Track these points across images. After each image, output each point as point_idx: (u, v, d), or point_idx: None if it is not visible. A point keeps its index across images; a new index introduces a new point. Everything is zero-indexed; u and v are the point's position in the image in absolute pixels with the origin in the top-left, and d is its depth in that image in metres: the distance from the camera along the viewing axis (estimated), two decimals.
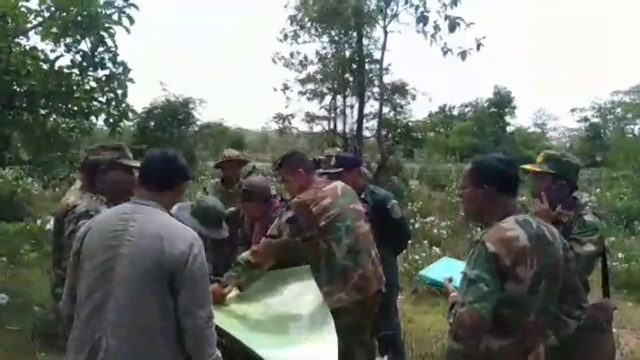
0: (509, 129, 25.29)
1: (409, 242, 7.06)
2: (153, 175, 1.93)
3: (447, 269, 2.25)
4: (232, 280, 2.77)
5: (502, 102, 23.97)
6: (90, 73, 5.29)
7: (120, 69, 5.17)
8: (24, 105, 5.42)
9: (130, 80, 5.44)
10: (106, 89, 5.32)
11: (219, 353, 1.86)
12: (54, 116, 5.58)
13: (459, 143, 23.30)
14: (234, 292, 2.95)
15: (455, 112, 34.99)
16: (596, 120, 30.25)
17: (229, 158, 4.23)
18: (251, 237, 3.39)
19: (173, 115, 23.70)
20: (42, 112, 5.45)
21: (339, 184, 2.94)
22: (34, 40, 5.44)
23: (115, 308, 1.74)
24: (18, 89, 5.27)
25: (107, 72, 5.19)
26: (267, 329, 2.68)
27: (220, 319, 2.61)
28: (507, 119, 24.74)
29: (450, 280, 2.06)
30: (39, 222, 8.30)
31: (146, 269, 1.74)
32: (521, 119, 42.99)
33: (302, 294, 2.88)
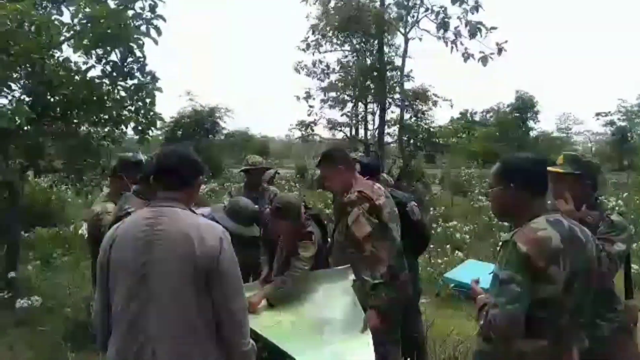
0: (532, 133, 24.91)
1: (431, 245, 7.18)
2: (170, 174, 1.91)
3: (473, 271, 2.24)
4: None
5: (525, 107, 23.65)
6: (120, 83, 5.49)
7: (149, 79, 5.33)
8: (58, 114, 5.64)
9: (159, 89, 5.62)
10: (135, 98, 5.50)
11: (252, 341, 1.91)
12: (86, 125, 5.78)
13: (482, 148, 23.03)
14: (263, 303, 3.05)
15: (477, 118, 34.66)
16: (623, 123, 29.53)
17: (253, 165, 4.38)
18: (276, 244, 3.47)
19: (200, 124, 24.34)
20: (75, 121, 5.66)
21: (381, 186, 3.01)
22: (67, 52, 5.68)
23: (157, 314, 1.74)
24: (52, 99, 5.51)
25: (135, 81, 5.36)
26: (301, 336, 2.73)
27: (253, 323, 2.71)
28: (530, 123, 24.38)
29: (477, 281, 2.05)
30: (71, 228, 8.58)
31: (181, 270, 1.75)
32: (545, 124, 42.32)
33: (337, 297, 2.93)
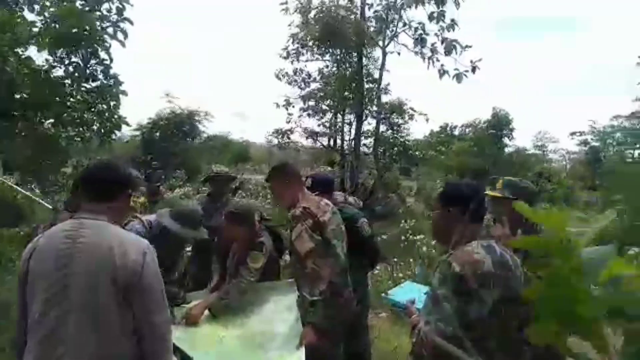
0: (507, 150, 25.45)
1: (394, 259, 7.25)
2: (94, 187, 1.89)
3: (410, 292, 2.28)
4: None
5: (500, 124, 24.17)
6: (83, 84, 5.43)
7: (112, 82, 5.29)
8: (19, 114, 5.55)
9: (123, 92, 5.58)
10: (98, 100, 5.44)
11: (175, 359, 1.91)
12: (48, 125, 5.69)
13: (458, 162, 23.39)
14: (206, 313, 3.01)
15: (456, 132, 35.22)
16: (596, 144, 30.40)
17: (216, 174, 4.32)
18: (226, 253, 3.44)
19: (178, 126, 24.09)
20: (36, 121, 5.57)
21: (329, 202, 3.00)
22: (30, 51, 5.60)
23: (76, 326, 1.72)
24: (12, 98, 5.41)
25: (98, 83, 5.30)
26: (244, 353, 2.71)
27: (190, 340, 2.68)
28: (505, 140, 24.90)
29: (413, 302, 2.08)
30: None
31: (101, 283, 1.73)
32: (521, 141, 43.22)
33: (281, 311, 2.93)
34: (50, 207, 3.12)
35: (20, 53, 5.48)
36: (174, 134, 23.80)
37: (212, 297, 3.11)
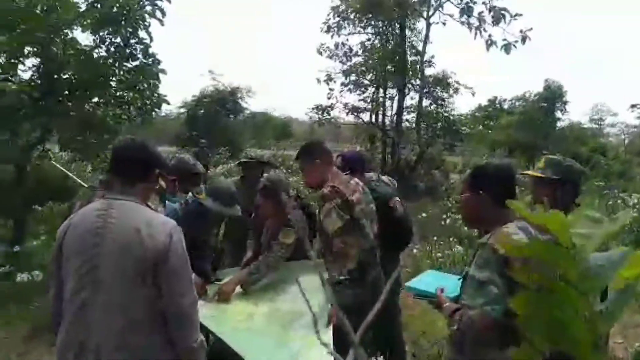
0: (560, 124, 24.17)
1: (434, 237, 7.09)
2: (122, 166, 1.90)
3: (434, 281, 2.19)
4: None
5: (553, 97, 22.86)
6: (124, 64, 5.54)
7: (150, 61, 5.36)
8: (64, 94, 5.74)
9: (162, 71, 5.65)
10: (138, 79, 5.54)
11: (202, 337, 1.92)
12: (92, 105, 5.87)
13: (506, 137, 22.46)
14: (238, 290, 3.04)
15: (505, 106, 33.79)
16: None
17: (249, 159, 4.33)
18: (261, 229, 3.47)
19: (221, 104, 24.48)
20: (81, 100, 5.75)
21: (360, 182, 2.95)
22: (75, 32, 5.75)
23: (103, 305, 1.75)
24: (58, 79, 5.60)
25: (137, 63, 5.38)
26: (270, 332, 2.71)
27: (216, 322, 2.71)
28: (558, 114, 23.60)
29: (442, 290, 2.00)
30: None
31: (129, 264, 1.76)
32: (576, 115, 40.96)
33: (310, 291, 2.92)
34: (86, 185, 3.19)
35: (66, 34, 5.65)
36: (217, 111, 24.22)
37: (243, 273, 3.15)
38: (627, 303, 0.49)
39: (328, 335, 2.52)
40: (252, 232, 3.74)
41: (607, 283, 0.49)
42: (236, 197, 3.23)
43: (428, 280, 2.25)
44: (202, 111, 24.50)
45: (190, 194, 3.20)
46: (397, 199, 3.36)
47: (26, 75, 5.66)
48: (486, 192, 1.85)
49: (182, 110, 25.17)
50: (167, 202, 3.05)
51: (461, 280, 1.89)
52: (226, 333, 2.59)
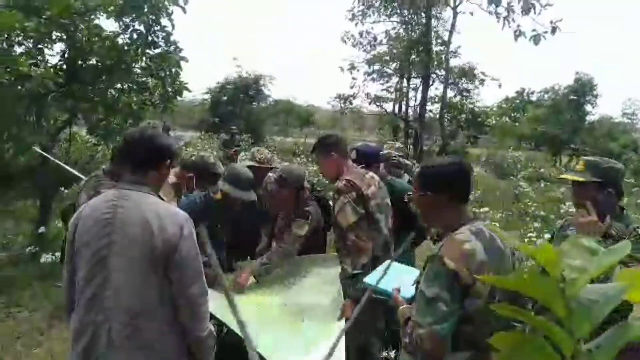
0: (591, 118, 23.42)
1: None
2: (133, 156, 1.90)
3: (395, 276, 2.09)
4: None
5: (583, 89, 22.14)
6: (146, 51, 5.58)
7: (172, 48, 5.38)
8: (88, 80, 5.83)
9: (183, 58, 5.68)
10: (160, 67, 5.58)
11: (212, 327, 1.94)
12: (115, 90, 5.94)
13: (532, 130, 21.92)
14: (252, 280, 3.06)
15: (533, 98, 32.97)
16: None
17: (259, 162, 3.85)
18: (276, 218, 3.46)
19: (245, 90, 24.55)
20: (103, 86, 5.83)
21: (375, 175, 2.94)
22: (99, 19, 5.80)
23: (114, 294, 1.78)
24: (82, 65, 5.68)
25: (159, 50, 5.42)
26: (284, 322, 2.74)
27: (228, 313, 2.73)
28: (588, 108, 22.87)
29: (399, 290, 1.94)
30: None
31: (139, 254, 1.78)
32: (607, 109, 39.45)
33: (324, 284, 2.92)
34: (84, 177, 3.17)
35: (91, 20, 5.71)
36: (240, 98, 24.31)
37: (256, 264, 3.16)
38: (622, 342, 0.46)
39: (339, 328, 2.52)
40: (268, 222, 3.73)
41: (600, 320, 0.46)
42: (252, 182, 3.25)
43: (387, 276, 2.14)
44: (225, 98, 24.65)
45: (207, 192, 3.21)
46: None
47: (54, 60, 5.77)
48: (433, 192, 1.80)
49: (207, 96, 25.38)
50: (183, 197, 3.07)
51: (415, 285, 1.83)
52: (235, 324, 2.60)
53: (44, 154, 4.87)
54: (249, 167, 3.94)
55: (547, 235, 7.64)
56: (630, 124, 32.73)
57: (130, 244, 1.79)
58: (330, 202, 3.40)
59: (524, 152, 18.37)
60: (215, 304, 2.76)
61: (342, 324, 2.58)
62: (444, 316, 1.63)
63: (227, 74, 23.41)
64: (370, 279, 2.14)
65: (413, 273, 2.08)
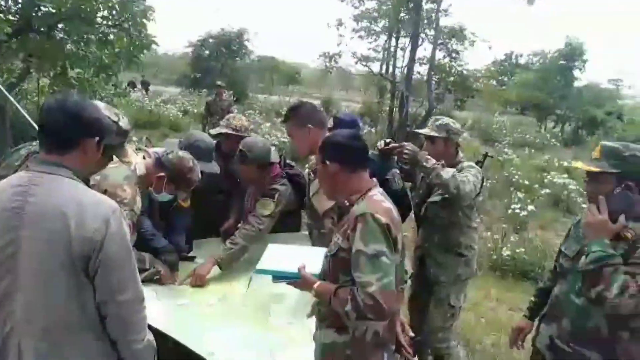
0: (578, 83, 23.11)
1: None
2: (51, 132, 1.52)
3: (282, 257, 1.94)
4: None
5: (573, 54, 21.71)
6: None
7: None
8: (45, 30, 5.27)
9: (149, 8, 5.16)
10: (123, 17, 5.05)
11: (150, 337, 1.62)
12: (73, 43, 5.39)
13: (519, 95, 21.60)
14: (214, 270, 2.75)
15: (522, 61, 32.55)
16: None
17: (235, 129, 3.43)
18: (243, 196, 3.15)
19: (227, 45, 23.59)
20: (60, 37, 5.29)
21: None
22: None
23: (24, 303, 1.47)
24: (37, 14, 5.11)
25: None
26: (245, 313, 2.47)
27: (184, 314, 2.42)
28: (577, 73, 22.53)
29: (304, 267, 1.83)
30: None
31: (52, 253, 1.45)
32: (592, 75, 39.04)
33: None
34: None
35: None
36: (223, 52, 23.39)
37: (219, 252, 2.84)
38: None
39: (309, 327, 2.24)
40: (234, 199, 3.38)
41: None
42: (212, 151, 3.02)
43: (276, 258, 1.96)
44: (207, 52, 23.70)
45: (162, 149, 2.82)
46: (396, 171, 2.99)
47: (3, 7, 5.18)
48: (332, 162, 1.83)
49: (188, 50, 24.42)
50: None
51: (329, 257, 1.80)
52: (183, 337, 2.27)
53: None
54: (224, 134, 3.46)
55: (531, 207, 7.61)
56: (616, 90, 32.65)
57: (42, 242, 1.44)
58: (306, 178, 3.08)
59: (510, 117, 18.11)
60: (171, 302, 2.47)
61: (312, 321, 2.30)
62: (389, 269, 1.66)
63: (209, 28, 22.41)
64: (262, 264, 1.93)
65: (299, 251, 2.08)
